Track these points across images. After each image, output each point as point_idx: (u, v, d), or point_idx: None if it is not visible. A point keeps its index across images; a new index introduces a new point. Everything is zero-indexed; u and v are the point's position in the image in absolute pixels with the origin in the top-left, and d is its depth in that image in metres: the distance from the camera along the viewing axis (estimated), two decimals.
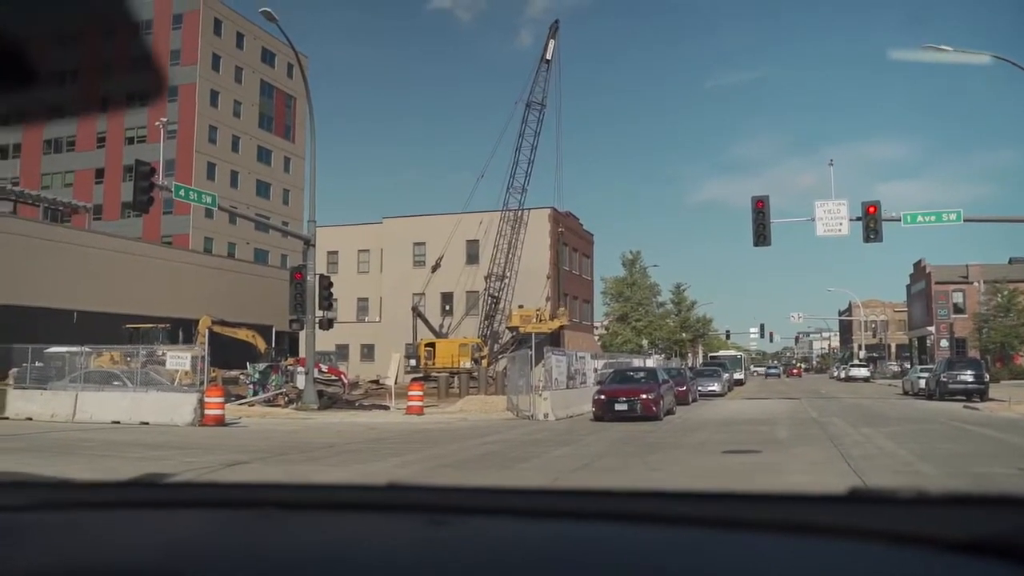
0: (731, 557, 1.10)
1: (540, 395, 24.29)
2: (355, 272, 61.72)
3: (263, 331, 38.98)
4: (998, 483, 10.16)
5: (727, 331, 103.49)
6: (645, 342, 66.86)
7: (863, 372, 70.43)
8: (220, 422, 20.96)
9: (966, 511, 1.15)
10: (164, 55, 62.94)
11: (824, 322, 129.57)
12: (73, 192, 65.99)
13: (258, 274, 60.27)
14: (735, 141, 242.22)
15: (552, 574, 1.08)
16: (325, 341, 43.46)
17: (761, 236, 25.93)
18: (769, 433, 18.22)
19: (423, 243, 58.80)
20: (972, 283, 67.56)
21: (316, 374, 29.42)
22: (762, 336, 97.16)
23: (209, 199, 27.61)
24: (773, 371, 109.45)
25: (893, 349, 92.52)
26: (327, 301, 28.89)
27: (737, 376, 56.46)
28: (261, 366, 31.61)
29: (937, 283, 71.90)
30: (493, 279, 53.19)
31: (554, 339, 46.28)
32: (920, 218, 26.45)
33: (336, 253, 60.76)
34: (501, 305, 53.42)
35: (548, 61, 52.20)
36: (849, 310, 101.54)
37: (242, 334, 35.35)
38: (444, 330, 55.76)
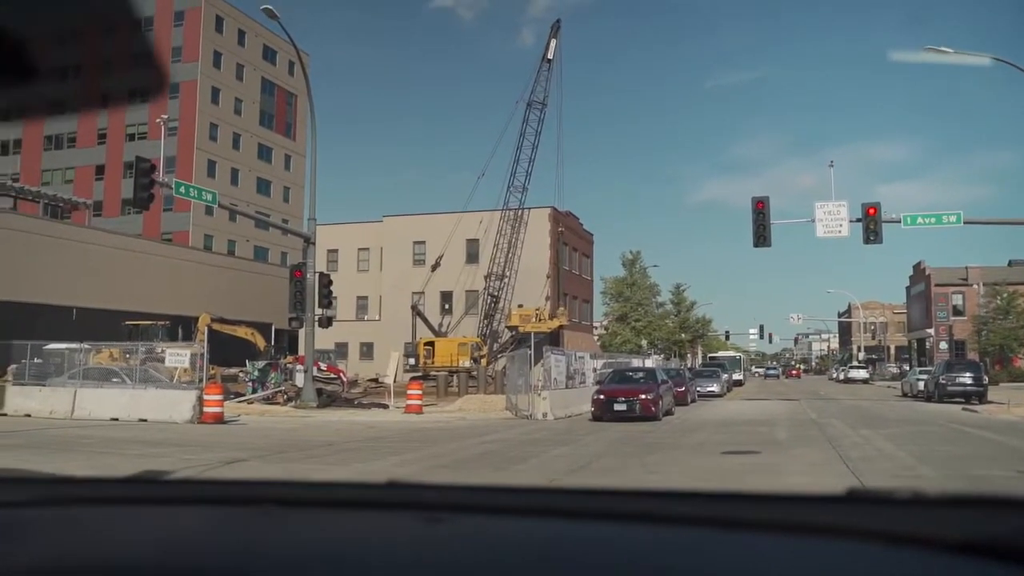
0: (729, 557, 1.10)
1: (539, 395, 24.29)
2: (355, 270, 61.73)
3: (262, 329, 38.97)
4: (996, 485, 10.16)
5: (726, 332, 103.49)
6: (644, 342, 66.88)
7: (862, 374, 70.42)
8: (219, 420, 20.95)
9: (964, 512, 1.15)
10: (165, 52, 62.92)
11: (823, 323, 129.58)
12: (73, 188, 66.02)
13: (258, 272, 60.29)
14: (735, 141, 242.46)
15: (550, 573, 1.08)
16: (324, 339, 43.49)
17: (761, 237, 25.93)
18: (768, 434, 18.22)
19: (423, 242, 58.81)
20: (972, 285, 67.57)
21: (315, 372, 29.44)
22: (761, 337, 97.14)
23: (209, 196, 27.61)
24: (772, 372, 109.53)
25: (892, 351, 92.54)
26: (327, 299, 28.90)
27: (736, 377, 56.48)
28: (260, 364, 31.60)
29: (937, 285, 71.92)
30: (493, 278, 53.19)
31: (553, 339, 46.28)
32: (920, 220, 26.45)
33: (336, 251, 60.76)
34: (500, 304, 53.42)
35: (550, 60, 52.19)
36: (848, 312, 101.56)
37: (241, 332, 35.35)
38: (443, 329, 55.76)
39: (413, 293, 56.92)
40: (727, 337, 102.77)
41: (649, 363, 38.53)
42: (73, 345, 26.85)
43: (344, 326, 51.63)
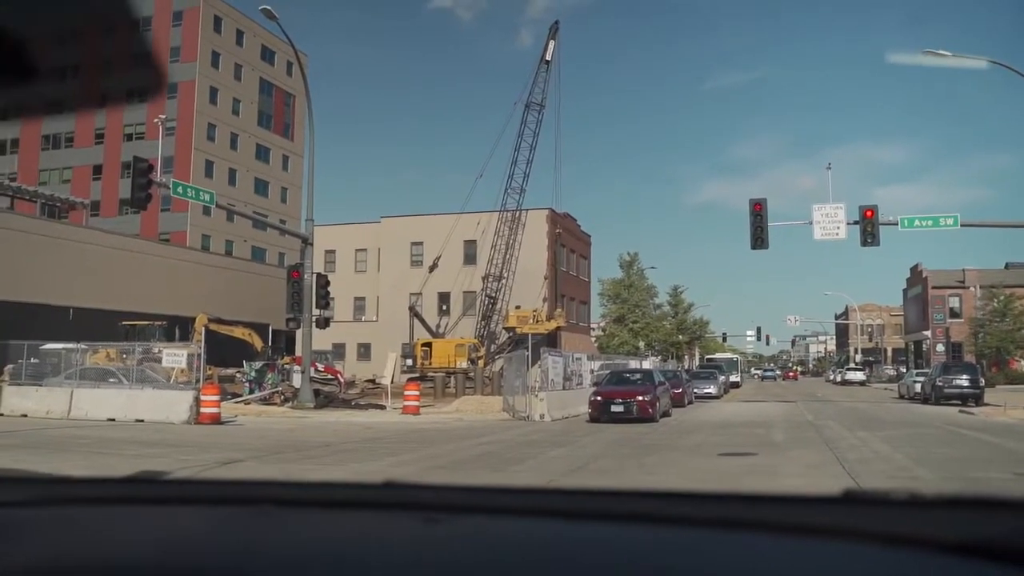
0: (726, 557, 1.10)
1: (536, 396, 24.29)
2: (352, 271, 61.72)
3: (260, 329, 38.95)
4: (993, 487, 10.18)
5: (724, 333, 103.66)
6: (642, 344, 66.91)
7: (859, 376, 70.49)
8: (216, 420, 20.93)
9: (960, 514, 1.15)
10: (164, 52, 62.91)
11: (820, 325, 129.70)
12: (71, 188, 65.94)
13: (255, 272, 60.21)
14: (734, 142, 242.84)
15: (548, 573, 1.09)
16: (322, 340, 43.40)
17: (759, 239, 25.94)
18: (765, 436, 18.24)
19: (421, 243, 58.81)
20: (968, 288, 67.65)
21: (313, 373, 29.41)
22: (758, 339, 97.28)
23: (207, 197, 27.59)
24: (769, 374, 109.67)
25: (889, 353, 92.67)
26: (324, 300, 28.89)
27: (733, 379, 56.52)
28: (257, 364, 31.58)
29: (934, 287, 72.02)
30: (490, 279, 53.21)
31: (551, 340, 46.27)
32: (917, 222, 26.49)
33: (334, 252, 60.75)
34: (498, 305, 53.44)
35: (548, 62, 52.25)
36: (846, 314, 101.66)
37: (239, 332, 35.32)
38: (441, 330, 55.76)
39: (411, 294, 56.91)
40: (724, 339, 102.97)
41: (646, 365, 38.55)
42: (70, 345, 26.82)
43: (341, 327, 51.63)
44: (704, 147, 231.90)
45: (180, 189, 26.22)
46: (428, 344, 51.24)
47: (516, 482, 11.16)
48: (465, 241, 56.44)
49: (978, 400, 30.88)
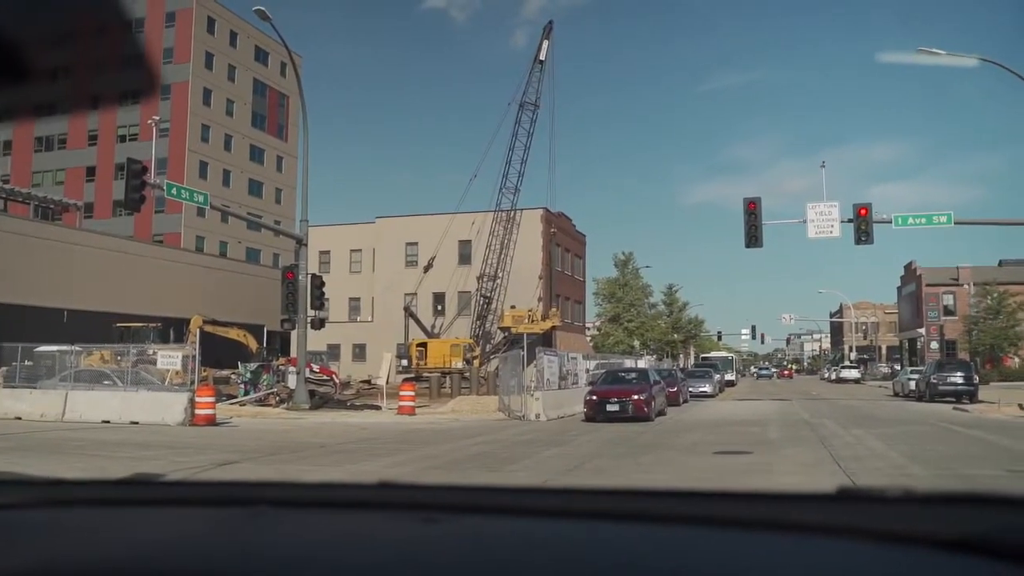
0: (722, 555, 1.11)
1: (532, 395, 24.30)
2: (347, 272, 61.64)
3: (254, 330, 38.90)
4: (986, 484, 10.21)
5: (719, 332, 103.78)
6: (637, 343, 66.97)
7: (854, 374, 70.69)
8: (211, 422, 20.88)
9: (953, 510, 1.16)
10: (157, 53, 62.75)
11: (815, 324, 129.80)
12: (64, 190, 65.75)
13: (250, 273, 60.16)
14: (729, 143, 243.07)
15: (544, 572, 1.09)
16: (317, 341, 43.36)
17: (753, 238, 25.99)
18: (760, 434, 18.27)
19: (415, 243, 58.78)
20: (962, 285, 67.84)
21: (308, 374, 29.36)
22: (753, 337, 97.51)
23: (201, 198, 27.53)
24: (764, 373, 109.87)
25: (884, 351, 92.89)
26: (319, 301, 28.84)
27: (728, 377, 56.63)
28: (252, 366, 31.53)
29: (927, 285, 72.22)
30: (485, 279, 53.21)
31: (546, 340, 46.33)
32: (911, 220, 26.54)
33: (328, 253, 60.67)
34: (493, 305, 53.45)
35: (542, 62, 52.31)
36: (840, 312, 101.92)
37: (233, 333, 35.26)
38: (436, 330, 55.75)
39: (405, 294, 56.88)
40: (719, 337, 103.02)
41: (642, 364, 38.58)
42: (64, 347, 26.71)
43: (336, 327, 51.57)
44: (699, 147, 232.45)
45: (174, 190, 26.17)
46: (423, 344, 51.23)
47: (512, 482, 11.17)
48: (460, 241, 56.44)
49: (972, 397, 30.97)
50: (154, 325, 39.19)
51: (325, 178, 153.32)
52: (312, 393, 28.50)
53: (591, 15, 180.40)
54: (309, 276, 28.30)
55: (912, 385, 37.14)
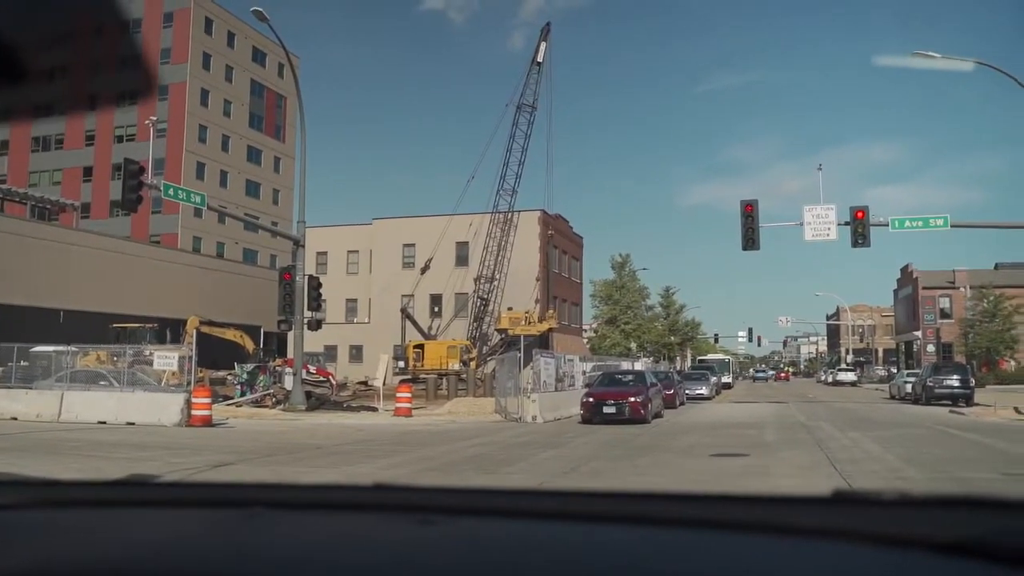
0: (718, 558, 1.11)
1: (528, 397, 24.29)
2: (344, 273, 61.64)
3: (251, 331, 38.87)
4: (982, 488, 10.22)
5: (715, 335, 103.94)
6: (634, 345, 67.00)
7: (850, 376, 70.75)
8: (207, 423, 20.86)
9: (949, 513, 1.16)
10: (154, 54, 62.74)
11: (812, 326, 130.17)
12: (61, 190, 65.61)
13: (247, 274, 60.04)
14: (726, 144, 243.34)
15: (540, 575, 1.09)
16: (313, 342, 43.28)
17: (750, 240, 26.02)
18: (757, 437, 18.28)
19: (412, 245, 58.79)
20: (959, 288, 67.96)
21: (304, 375, 29.34)
22: (750, 340, 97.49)
23: (198, 198, 27.50)
24: (761, 375, 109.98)
25: (880, 353, 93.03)
26: (316, 302, 28.81)
27: (725, 380, 56.65)
28: (249, 367, 31.49)
29: (924, 288, 72.34)
30: (482, 281, 53.21)
31: (543, 341, 46.35)
32: (907, 223, 26.59)
33: (325, 254, 60.66)
34: (490, 307, 53.44)
35: (539, 63, 52.34)
36: (837, 314, 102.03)
37: (230, 334, 35.23)
38: (433, 332, 55.74)
39: (402, 296, 56.87)
40: (716, 340, 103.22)
41: (638, 366, 38.60)
42: (60, 348, 26.67)
43: (333, 329, 51.48)
44: (697, 148, 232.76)
45: (171, 191, 26.14)
46: (420, 346, 51.22)
47: (508, 484, 11.17)
48: (457, 243, 56.44)
49: (968, 400, 31.02)
50: (150, 326, 39.10)
51: (322, 179, 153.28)
52: (309, 394, 28.47)
53: (589, 17, 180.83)
54: (306, 277, 28.29)
55: (908, 388, 37.20)
